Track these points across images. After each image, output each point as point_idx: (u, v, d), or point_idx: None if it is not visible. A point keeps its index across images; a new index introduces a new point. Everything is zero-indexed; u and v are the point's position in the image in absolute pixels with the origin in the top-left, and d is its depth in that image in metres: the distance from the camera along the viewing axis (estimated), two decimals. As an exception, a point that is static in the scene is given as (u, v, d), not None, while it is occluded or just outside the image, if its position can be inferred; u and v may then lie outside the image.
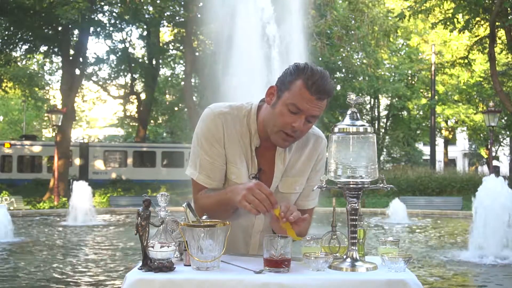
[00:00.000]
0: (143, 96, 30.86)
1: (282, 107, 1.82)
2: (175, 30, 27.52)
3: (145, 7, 22.35)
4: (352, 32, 22.79)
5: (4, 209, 11.10)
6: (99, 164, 28.96)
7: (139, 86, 32.46)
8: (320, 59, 22.24)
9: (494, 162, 31.28)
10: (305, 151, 2.00)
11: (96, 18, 22.99)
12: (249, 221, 1.96)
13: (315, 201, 2.07)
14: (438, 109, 29.65)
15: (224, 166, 1.92)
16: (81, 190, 13.98)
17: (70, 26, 21.05)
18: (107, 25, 24.51)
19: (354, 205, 1.66)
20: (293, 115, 1.80)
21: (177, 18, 24.42)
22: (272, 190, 1.89)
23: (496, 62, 17.90)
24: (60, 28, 21.84)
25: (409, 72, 32.29)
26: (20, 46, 23.59)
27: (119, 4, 22.17)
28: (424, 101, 32.06)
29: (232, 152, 1.91)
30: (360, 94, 27.00)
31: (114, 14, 23.75)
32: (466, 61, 19.54)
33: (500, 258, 7.98)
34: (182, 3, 23.14)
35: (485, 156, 36.27)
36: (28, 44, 23.51)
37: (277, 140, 1.87)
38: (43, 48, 24.65)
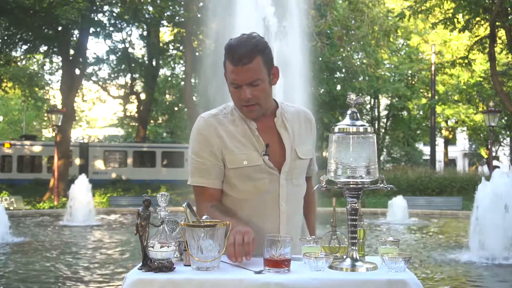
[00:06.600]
0: (143, 96, 30.84)
1: (229, 87, 1.98)
2: (175, 30, 27.50)
3: (145, 7, 22.34)
4: (352, 32, 22.76)
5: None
6: (99, 164, 28.95)
7: (139, 86, 32.46)
8: (320, 59, 22.22)
9: (494, 162, 31.22)
10: (301, 120, 2.12)
11: (96, 18, 22.98)
12: (275, 188, 2.00)
13: (315, 168, 2.23)
14: (438, 109, 29.60)
15: (217, 163, 1.98)
16: (81, 186, 13.97)
17: (70, 26, 21.02)
18: (107, 25, 24.51)
19: (354, 205, 1.66)
20: (237, 90, 1.94)
21: (177, 18, 24.42)
22: (289, 157, 2.01)
23: (496, 62, 17.87)
24: (60, 28, 21.82)
25: (409, 72, 32.27)
26: (20, 46, 23.59)
27: (119, 4, 22.16)
28: (424, 101, 32.02)
29: (235, 141, 1.98)
30: (360, 94, 26.89)
31: (114, 14, 23.74)
32: (466, 61, 19.50)
33: (501, 258, 7.98)
34: (182, 3, 23.14)
35: (485, 156, 36.23)
36: (28, 44, 23.50)
37: (246, 114, 2.00)
38: (43, 48, 24.64)
